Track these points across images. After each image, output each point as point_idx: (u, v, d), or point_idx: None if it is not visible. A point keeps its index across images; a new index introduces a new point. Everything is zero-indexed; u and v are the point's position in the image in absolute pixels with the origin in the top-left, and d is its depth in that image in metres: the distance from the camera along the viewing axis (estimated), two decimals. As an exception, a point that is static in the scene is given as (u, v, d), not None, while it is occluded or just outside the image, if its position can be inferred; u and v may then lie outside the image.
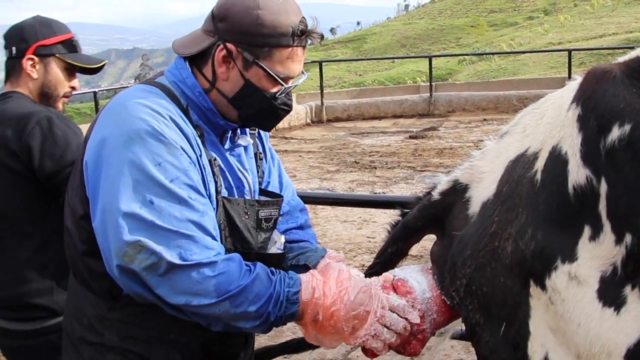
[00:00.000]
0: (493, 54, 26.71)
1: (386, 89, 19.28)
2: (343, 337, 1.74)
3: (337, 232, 7.59)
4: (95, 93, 13.36)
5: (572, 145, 1.35)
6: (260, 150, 2.09)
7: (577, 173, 1.32)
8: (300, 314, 1.72)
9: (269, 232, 1.97)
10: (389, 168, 10.90)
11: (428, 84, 16.87)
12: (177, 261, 1.61)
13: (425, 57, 20.98)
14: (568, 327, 1.36)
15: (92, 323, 1.86)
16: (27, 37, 2.59)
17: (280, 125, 15.87)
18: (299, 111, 16.13)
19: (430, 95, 16.35)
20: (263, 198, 2.00)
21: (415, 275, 1.84)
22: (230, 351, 1.99)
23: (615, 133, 1.25)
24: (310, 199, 2.70)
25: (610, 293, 1.28)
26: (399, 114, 16.50)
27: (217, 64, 1.81)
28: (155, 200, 1.64)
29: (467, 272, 1.61)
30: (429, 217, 1.87)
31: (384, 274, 1.85)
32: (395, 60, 33.69)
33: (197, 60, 1.86)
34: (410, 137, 13.63)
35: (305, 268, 1.98)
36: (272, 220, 1.97)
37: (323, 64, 17.62)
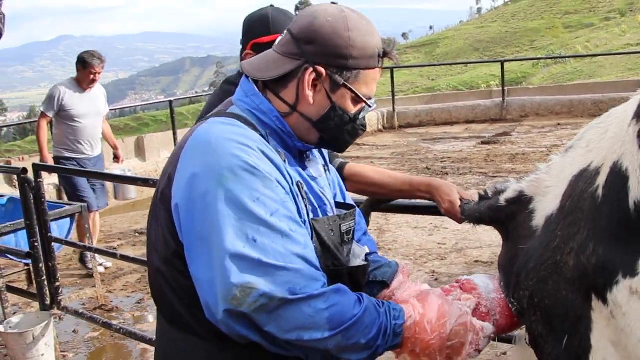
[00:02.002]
0: (567, 57, 26.08)
1: (458, 94, 19.10)
2: None
3: (407, 239, 7.60)
4: (171, 102, 13.67)
5: (632, 161, 1.36)
6: (324, 162, 2.05)
7: (638, 189, 1.33)
8: (400, 345, 1.71)
9: (350, 244, 1.94)
10: (460, 174, 10.82)
11: (500, 88, 16.60)
12: (288, 296, 1.56)
13: (497, 61, 20.62)
14: (629, 342, 1.37)
15: None
16: None
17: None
18: (371, 117, 16.11)
19: (503, 100, 16.06)
20: (342, 211, 1.95)
21: (483, 278, 1.91)
22: None
23: None
24: (384, 208, 2.74)
25: None
26: (471, 119, 16.26)
27: (304, 87, 1.76)
28: (258, 238, 1.58)
29: (530, 285, 1.64)
30: (494, 218, 1.93)
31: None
32: (468, 64, 33.36)
33: (271, 84, 1.80)
34: (483, 143, 13.47)
35: (382, 284, 1.99)
36: (352, 232, 1.94)
37: (395, 69, 17.56)
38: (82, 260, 7.27)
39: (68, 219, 6.13)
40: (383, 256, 2.16)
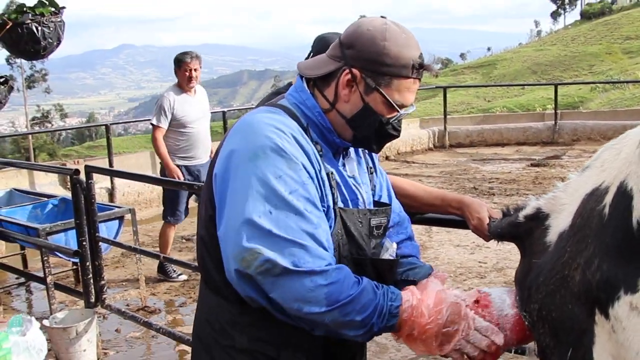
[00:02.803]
0: (624, 82, 25.70)
1: (510, 115, 19.00)
2: (430, 349, 1.85)
3: (449, 256, 7.63)
4: (224, 112, 13.93)
5: (637, 182, 1.40)
6: (371, 165, 2.22)
7: None
8: (398, 327, 1.83)
9: (379, 239, 2.10)
10: (507, 195, 10.78)
11: (553, 111, 16.53)
12: (291, 266, 1.72)
13: (551, 84, 20.44)
14: (627, 355, 1.40)
15: (224, 327, 2.00)
16: None
17: (402, 149, 16.01)
18: (422, 136, 16.17)
19: (555, 123, 15.95)
20: (374, 207, 2.13)
21: (500, 293, 1.95)
22: (348, 353, 2.12)
23: None
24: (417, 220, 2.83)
25: None
26: (522, 141, 16.20)
27: (340, 87, 1.95)
28: (274, 211, 1.76)
29: (539, 298, 1.68)
30: (513, 234, 1.99)
31: (476, 290, 1.96)
32: (525, 87, 33.04)
33: (318, 82, 2.01)
34: (532, 165, 13.41)
35: (413, 284, 2.08)
36: (382, 228, 2.10)
37: (451, 89, 17.57)
38: (162, 269, 7.26)
39: (117, 221, 6.31)
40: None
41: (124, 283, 7.28)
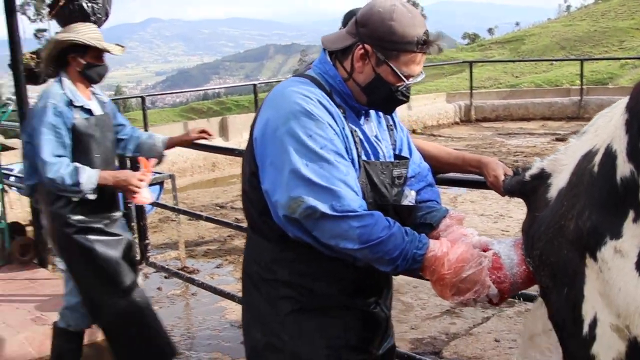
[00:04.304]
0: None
1: (536, 90, 18.89)
2: (444, 295, 2.16)
3: (473, 224, 7.81)
4: (254, 86, 14.19)
5: (619, 144, 1.57)
6: (391, 122, 2.53)
7: (623, 167, 1.56)
8: (420, 270, 2.14)
9: (400, 188, 2.40)
10: (531, 169, 10.83)
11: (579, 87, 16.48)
12: (329, 212, 2.04)
13: (577, 59, 20.22)
14: (612, 292, 1.58)
15: (268, 264, 2.32)
16: None
17: (429, 122, 16.14)
18: (448, 110, 16.29)
19: (581, 98, 15.99)
20: (395, 160, 2.43)
21: (509, 252, 2.18)
22: (376, 285, 2.41)
23: None
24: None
25: None
26: (547, 116, 16.28)
27: (355, 60, 2.25)
28: (310, 164, 2.08)
29: (540, 245, 1.90)
30: (521, 191, 2.22)
31: (492, 252, 2.18)
32: (553, 62, 32.66)
33: (339, 54, 2.31)
34: (557, 140, 13.50)
35: (429, 226, 2.42)
36: (403, 178, 2.41)
37: (479, 64, 17.55)
38: None
39: (157, 186, 6.65)
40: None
41: (162, 246, 7.60)
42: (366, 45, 2.23)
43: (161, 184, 6.71)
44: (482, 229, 7.64)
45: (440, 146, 3.03)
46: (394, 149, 2.50)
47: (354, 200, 2.09)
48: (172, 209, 6.18)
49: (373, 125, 2.44)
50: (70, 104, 3.77)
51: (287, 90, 2.24)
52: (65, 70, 3.85)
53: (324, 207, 2.05)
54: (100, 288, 3.90)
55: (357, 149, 2.26)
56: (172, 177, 6.58)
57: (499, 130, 15.42)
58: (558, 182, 1.98)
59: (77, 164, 3.66)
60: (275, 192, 2.13)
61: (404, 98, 2.32)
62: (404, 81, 2.26)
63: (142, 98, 12.03)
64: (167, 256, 6.98)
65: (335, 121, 2.20)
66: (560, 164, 2.02)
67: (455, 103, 16.73)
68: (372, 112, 2.44)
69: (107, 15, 5.17)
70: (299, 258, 2.26)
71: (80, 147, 3.78)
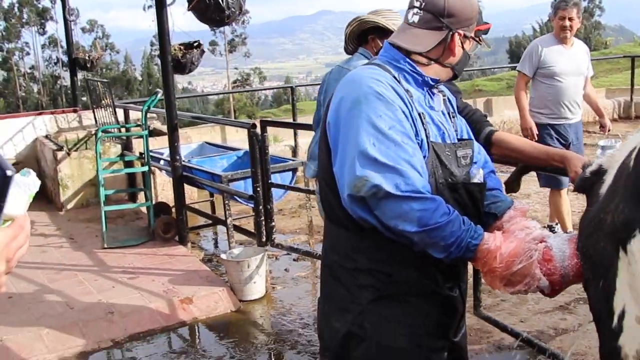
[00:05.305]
0: None
1: None
2: (494, 285, 2.24)
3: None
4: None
5: None
6: (452, 110, 2.61)
7: None
8: (473, 259, 2.22)
9: (467, 168, 2.47)
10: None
11: None
12: (393, 191, 2.08)
13: None
14: (638, 284, 1.64)
15: (347, 253, 2.35)
16: None
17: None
18: (607, 106, 15.49)
19: None
20: (458, 142, 2.52)
21: (561, 245, 2.23)
22: (454, 269, 2.43)
23: None
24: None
25: None
26: None
27: (452, 46, 2.40)
28: (377, 144, 2.14)
29: (583, 239, 1.98)
30: (582, 187, 2.25)
31: (544, 245, 2.24)
32: None
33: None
34: None
35: (494, 216, 2.49)
36: (468, 158, 2.49)
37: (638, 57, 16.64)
38: None
39: (290, 173, 6.94)
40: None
41: (297, 230, 7.90)
42: (460, 31, 2.40)
43: (294, 170, 6.98)
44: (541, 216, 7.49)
45: (525, 139, 3.07)
46: (456, 134, 2.58)
47: (418, 180, 2.14)
48: (298, 189, 6.44)
49: (440, 101, 2.54)
50: None
51: (357, 75, 2.34)
52: (364, 47, 4.13)
53: (388, 187, 2.09)
54: None
55: (425, 130, 2.33)
56: (304, 164, 6.86)
57: (662, 128, 14.50)
58: (609, 179, 2.02)
59: None
60: (343, 172, 2.20)
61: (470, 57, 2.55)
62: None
63: (292, 88, 12.49)
64: (296, 239, 7.26)
65: (405, 104, 2.28)
66: (615, 160, 2.04)
67: (614, 99, 15.95)
68: (435, 100, 2.51)
69: (240, 9, 5.47)
70: (379, 245, 2.28)
71: None
